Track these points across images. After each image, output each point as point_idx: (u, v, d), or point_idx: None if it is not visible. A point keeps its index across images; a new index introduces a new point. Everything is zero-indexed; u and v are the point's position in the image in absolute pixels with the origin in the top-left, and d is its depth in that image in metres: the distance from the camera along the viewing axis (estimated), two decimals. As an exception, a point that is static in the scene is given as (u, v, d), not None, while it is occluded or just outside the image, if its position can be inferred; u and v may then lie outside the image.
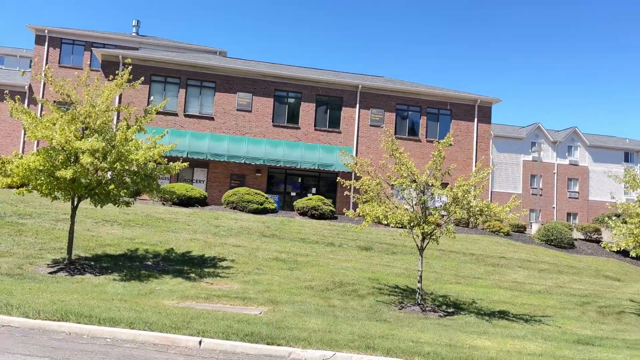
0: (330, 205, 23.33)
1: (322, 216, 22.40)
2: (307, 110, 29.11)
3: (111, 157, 12.05)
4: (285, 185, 28.85)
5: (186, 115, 27.99)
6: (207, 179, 27.63)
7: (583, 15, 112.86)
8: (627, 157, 57.35)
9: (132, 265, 13.25)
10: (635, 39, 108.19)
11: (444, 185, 12.87)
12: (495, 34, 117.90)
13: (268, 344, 7.03)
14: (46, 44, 36.31)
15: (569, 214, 54.27)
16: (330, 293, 12.50)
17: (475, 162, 30.61)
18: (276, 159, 27.16)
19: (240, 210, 21.53)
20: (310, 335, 7.79)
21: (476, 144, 30.69)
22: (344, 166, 27.61)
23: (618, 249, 14.14)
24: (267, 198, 22.69)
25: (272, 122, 28.59)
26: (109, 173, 12.98)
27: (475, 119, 30.78)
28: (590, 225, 26.56)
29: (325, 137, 29.20)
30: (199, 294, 10.84)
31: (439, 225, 12.69)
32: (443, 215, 13.06)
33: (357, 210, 12.73)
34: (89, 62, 35.91)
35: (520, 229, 25.16)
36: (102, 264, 13.09)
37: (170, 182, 26.52)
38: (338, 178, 13.78)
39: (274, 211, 22.63)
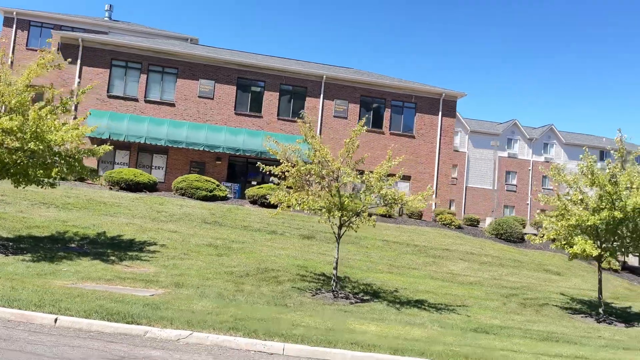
0: (281, 194, 23.26)
1: (272, 205, 22.34)
2: (270, 99, 28.99)
3: (26, 137, 11.92)
4: (247, 174, 28.77)
5: (147, 101, 27.77)
6: (167, 166, 27.50)
7: (559, 13, 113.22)
8: (603, 155, 57.54)
9: (52, 247, 13.18)
10: (614, 35, 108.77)
11: (361, 172, 12.85)
12: (476, 32, 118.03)
13: (128, 322, 7.02)
14: (14, 26, 35.75)
15: (542, 211, 54.54)
16: (247, 279, 12.51)
17: (439, 156, 30.76)
18: (236, 147, 27.03)
19: (188, 197, 21.46)
20: (183, 315, 7.80)
21: (440, 137, 30.73)
22: (306, 156, 27.67)
23: (540, 241, 14.22)
24: (217, 185, 22.63)
25: (235, 110, 28.47)
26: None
27: (440, 113, 30.80)
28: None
29: (288, 126, 29.10)
30: (104, 276, 10.81)
31: (357, 214, 12.69)
32: (372, 207, 13.07)
33: (272, 197, 12.73)
34: (57, 45, 35.52)
35: (474, 223, 25.31)
36: (21, 244, 13.01)
37: (128, 167, 26.42)
38: (258, 163, 13.65)
39: (224, 199, 22.59)
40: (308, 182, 12.54)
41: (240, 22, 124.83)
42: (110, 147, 14.18)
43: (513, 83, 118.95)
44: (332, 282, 12.64)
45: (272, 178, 13.77)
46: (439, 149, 30.66)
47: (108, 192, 20.48)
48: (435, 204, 29.42)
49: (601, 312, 13.88)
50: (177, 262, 13.32)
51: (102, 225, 16.00)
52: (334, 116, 29.63)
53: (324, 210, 12.22)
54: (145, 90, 27.73)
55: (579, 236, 13.41)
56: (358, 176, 12.25)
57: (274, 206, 22.73)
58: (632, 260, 24.60)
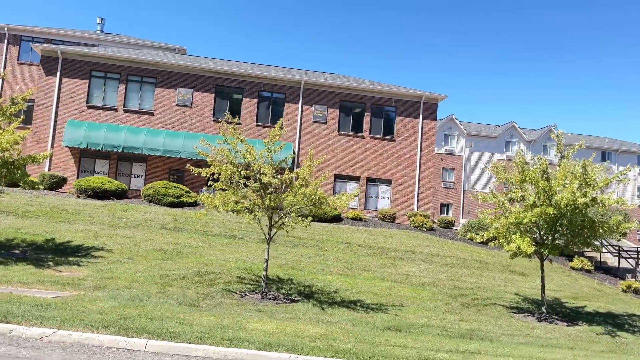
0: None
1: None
2: (249, 106, 29.20)
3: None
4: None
5: (125, 111, 28.18)
6: (146, 174, 27.81)
7: (558, 16, 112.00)
8: (605, 156, 56.82)
9: (-6, 252, 13.39)
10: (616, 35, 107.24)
11: (281, 172, 12.80)
12: (467, 37, 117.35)
13: (-2, 321, 7.11)
14: (6, 41, 36.51)
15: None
16: (179, 282, 12.56)
17: (420, 159, 30.58)
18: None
19: (155, 204, 21.66)
20: (68, 315, 7.87)
21: (421, 141, 30.59)
22: (283, 162, 27.76)
23: (482, 239, 14.02)
24: (186, 192, 22.80)
25: (213, 117, 28.71)
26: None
27: (421, 116, 30.69)
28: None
29: (267, 132, 28.91)
30: (26, 280, 10.96)
31: (286, 214, 12.69)
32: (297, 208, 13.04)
33: (199, 199, 12.79)
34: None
35: (448, 225, 25.05)
36: (-38, 251, 13.25)
37: (107, 176, 26.81)
38: (187, 165, 13.70)
39: (193, 204, 22.72)
40: (237, 184, 12.55)
41: (229, 32, 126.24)
42: (49, 153, 14.37)
43: (511, 86, 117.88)
44: (261, 284, 12.62)
45: (209, 183, 13.79)
46: (420, 152, 30.51)
47: (74, 200, 20.76)
48: (418, 206, 29.31)
49: (544, 310, 13.62)
50: (116, 266, 13.44)
51: (55, 232, 16.22)
52: (313, 121, 29.71)
53: (245, 211, 12.23)
54: (124, 100, 28.15)
55: (517, 234, 13.20)
56: (277, 176, 12.21)
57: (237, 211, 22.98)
58: (611, 260, 24.12)
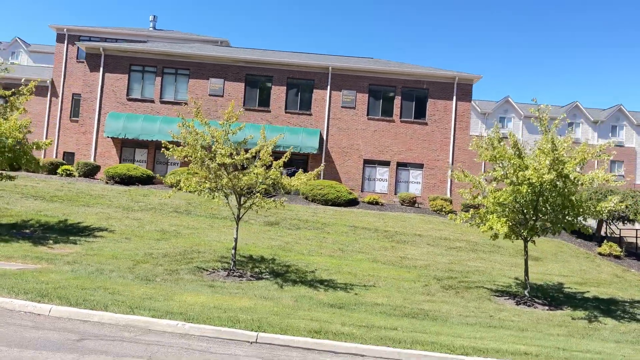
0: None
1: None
2: (278, 94, 29.69)
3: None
4: (256, 167, 29.64)
5: (162, 102, 29.64)
6: (181, 162, 29.15)
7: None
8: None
9: (4, 232, 14.79)
10: None
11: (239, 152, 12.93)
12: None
13: None
14: (65, 41, 39.39)
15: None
16: (158, 259, 13.25)
17: (454, 142, 29.66)
18: (239, 141, 27.93)
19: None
20: (11, 284, 8.69)
21: (455, 123, 29.67)
22: (310, 147, 28.06)
23: (461, 220, 13.51)
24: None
25: (244, 105, 29.46)
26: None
27: (454, 97, 29.74)
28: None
29: (295, 119, 29.64)
30: (9, 254, 12.05)
31: (247, 193, 12.98)
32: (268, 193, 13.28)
33: (166, 180, 13.33)
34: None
35: (472, 208, 24.14)
36: (-22, 230, 14.77)
37: (146, 164, 28.53)
38: (162, 149, 14.09)
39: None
40: (206, 165, 12.94)
41: (267, 22, 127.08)
42: (49, 142, 15.54)
43: (574, 63, 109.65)
44: (230, 262, 13.02)
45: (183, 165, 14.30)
46: (454, 135, 29.62)
47: (102, 185, 22.28)
48: (451, 191, 28.54)
49: (526, 294, 12.97)
50: (109, 245, 14.39)
51: (72, 214, 17.57)
52: (342, 107, 29.68)
53: (207, 191, 12.63)
54: (161, 92, 29.63)
55: (494, 214, 12.63)
56: (233, 157, 12.48)
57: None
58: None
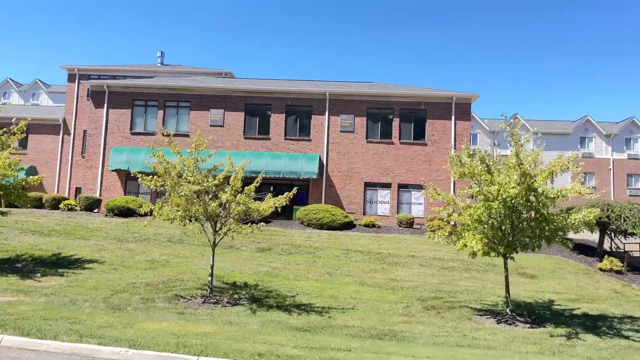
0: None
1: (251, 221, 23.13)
2: (277, 121, 30.12)
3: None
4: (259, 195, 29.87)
5: (164, 135, 30.23)
6: (183, 192, 29.53)
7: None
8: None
9: (-4, 266, 15.17)
10: None
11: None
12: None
13: None
14: (77, 80, 40.80)
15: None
16: (138, 289, 13.39)
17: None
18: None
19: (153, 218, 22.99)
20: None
21: (455, 142, 29.55)
22: (309, 173, 28.20)
23: (438, 239, 13.32)
24: (204, 206, 23.94)
25: (244, 134, 30.00)
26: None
27: (453, 117, 29.74)
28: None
29: (295, 145, 29.94)
30: (-6, 288, 12.36)
31: (220, 221, 13.10)
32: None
33: (142, 210, 13.56)
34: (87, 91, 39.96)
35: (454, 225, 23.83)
36: (-30, 265, 15.19)
37: (149, 196, 29.02)
38: (139, 177, 14.17)
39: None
40: (185, 195, 13.13)
41: (273, 51, 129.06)
42: (42, 177, 16.00)
43: (583, 80, 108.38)
44: (208, 289, 13.08)
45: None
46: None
47: (101, 218, 22.72)
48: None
49: (508, 312, 12.67)
50: (94, 276, 14.62)
51: (66, 247, 17.94)
52: (341, 131, 29.92)
53: (178, 219, 12.79)
54: (163, 124, 30.32)
55: (469, 232, 12.47)
56: (202, 184, 12.65)
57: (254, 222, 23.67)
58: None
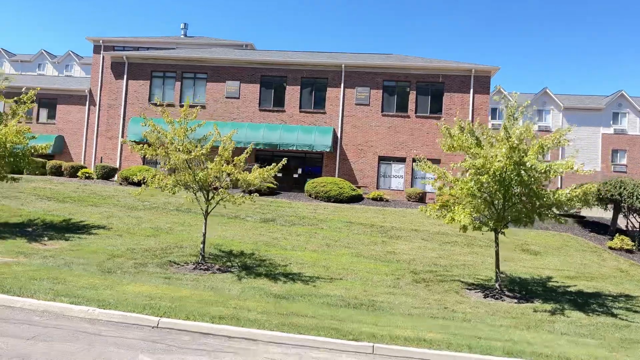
0: (270, 183, 24.16)
1: (259, 192, 23.38)
2: (292, 93, 30.06)
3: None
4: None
5: (181, 106, 30.60)
6: (199, 163, 30.02)
7: None
8: None
9: (8, 230, 15.87)
10: None
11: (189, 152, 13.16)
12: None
13: None
14: (102, 52, 41.52)
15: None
16: (136, 254, 13.82)
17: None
18: (256, 142, 28.52)
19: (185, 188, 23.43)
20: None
21: (472, 117, 28.92)
22: (322, 146, 28.18)
23: (430, 213, 13.20)
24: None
25: (259, 106, 30.11)
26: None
27: (471, 90, 29.07)
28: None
29: (309, 118, 29.90)
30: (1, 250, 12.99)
31: (215, 188, 13.31)
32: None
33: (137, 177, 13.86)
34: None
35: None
36: (-17, 228, 15.94)
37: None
38: (123, 140, 14.61)
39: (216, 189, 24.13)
40: (175, 165, 13.36)
41: (293, 24, 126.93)
42: (47, 145, 16.48)
43: (618, 53, 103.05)
44: (199, 256, 13.39)
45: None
46: (472, 129, 28.84)
47: (115, 187, 23.37)
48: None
49: (497, 287, 12.57)
50: (97, 241, 15.14)
51: (77, 213, 18.58)
52: (356, 104, 29.68)
53: (169, 187, 13.04)
54: (180, 96, 30.70)
55: (459, 205, 12.33)
56: (190, 153, 12.81)
57: (262, 194, 23.94)
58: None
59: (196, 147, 13.11)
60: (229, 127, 28.91)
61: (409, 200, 24.32)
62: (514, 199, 11.99)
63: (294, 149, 28.52)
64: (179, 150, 12.74)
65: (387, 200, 23.75)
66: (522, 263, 16.33)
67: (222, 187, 13.27)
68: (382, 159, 29.26)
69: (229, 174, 12.96)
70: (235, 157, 13.55)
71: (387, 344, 7.11)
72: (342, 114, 29.59)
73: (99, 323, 7.44)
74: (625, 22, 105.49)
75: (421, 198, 24.36)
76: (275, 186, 24.62)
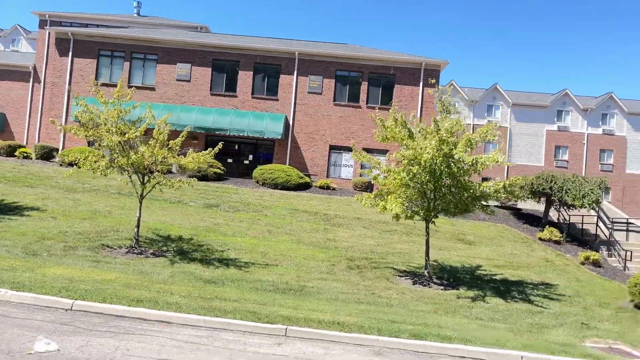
0: (218, 169, 24.05)
1: (205, 178, 23.25)
2: (244, 79, 29.78)
3: None
4: (224, 153, 29.82)
5: (130, 87, 29.77)
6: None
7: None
8: (676, 124, 50.93)
9: None
10: None
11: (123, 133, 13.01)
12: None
13: None
14: (48, 27, 39.77)
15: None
16: (68, 237, 13.52)
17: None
18: (206, 126, 28.19)
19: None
20: None
21: (421, 109, 29.49)
22: (274, 133, 28.14)
23: (365, 202, 13.51)
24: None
25: (210, 91, 29.68)
26: None
27: (421, 83, 29.53)
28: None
29: (262, 104, 29.73)
30: None
31: (151, 172, 13.17)
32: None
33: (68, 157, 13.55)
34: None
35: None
36: None
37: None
38: (51, 120, 14.28)
39: (168, 173, 23.78)
40: (108, 146, 13.10)
41: (251, 7, 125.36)
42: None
43: (563, 51, 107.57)
44: (133, 240, 13.25)
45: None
46: (420, 122, 29.40)
47: (55, 168, 22.67)
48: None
49: (426, 274, 13.02)
50: (29, 222, 14.69)
51: (11, 194, 17.93)
52: (308, 92, 29.69)
53: (101, 169, 12.82)
54: (129, 77, 29.88)
55: (392, 195, 12.67)
56: (124, 135, 12.64)
57: (208, 179, 23.76)
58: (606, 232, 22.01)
59: (130, 129, 12.87)
60: (178, 110, 28.50)
61: (355, 189, 24.68)
62: (444, 190, 12.41)
63: (245, 134, 28.33)
64: (112, 132, 12.48)
65: (334, 189, 24.04)
66: (456, 252, 16.91)
67: (158, 171, 13.11)
68: (333, 147, 29.49)
69: (164, 158, 12.80)
70: (170, 141, 13.39)
71: (300, 326, 7.30)
72: (295, 101, 29.59)
73: (10, 305, 7.29)
74: (574, 24, 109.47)
75: (367, 187, 24.77)
76: (222, 171, 24.50)
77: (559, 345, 7.89)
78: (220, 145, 14.45)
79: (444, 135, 11.27)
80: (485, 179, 13.29)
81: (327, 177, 28.51)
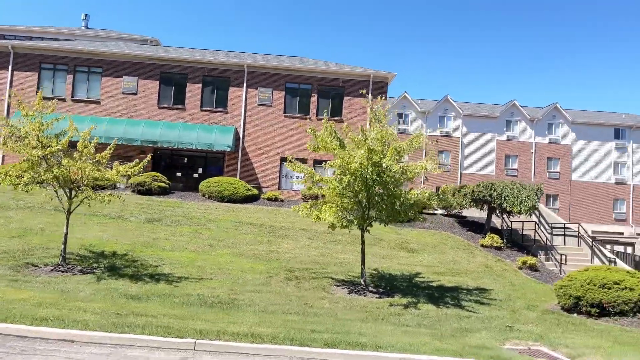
0: (163, 182, 23.64)
1: (149, 192, 22.80)
2: (193, 91, 29.45)
3: None
4: (173, 167, 29.38)
5: (74, 101, 29.10)
6: (92, 161, 28.63)
7: None
8: (618, 133, 53.30)
9: None
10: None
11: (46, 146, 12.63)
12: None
13: None
14: (-11, 40, 38.40)
15: (548, 196, 50.99)
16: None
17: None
18: (154, 140, 27.66)
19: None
20: None
21: (370, 121, 29.72)
22: (223, 145, 27.88)
23: (303, 213, 13.50)
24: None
25: (158, 104, 29.20)
26: None
27: (370, 95, 29.74)
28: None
29: (211, 117, 29.45)
30: None
31: (78, 186, 12.79)
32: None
33: None
34: None
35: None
36: None
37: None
38: None
39: (114, 188, 23.20)
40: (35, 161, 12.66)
41: (203, 21, 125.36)
42: None
43: (510, 62, 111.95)
44: (60, 258, 12.79)
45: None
46: (370, 132, 29.71)
47: None
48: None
49: (362, 283, 13.06)
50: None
51: (-64, 213, 17.07)
52: (258, 104, 29.60)
53: (22, 184, 12.39)
54: (73, 90, 29.10)
55: (327, 204, 12.69)
56: (45, 148, 12.27)
57: (152, 193, 23.31)
58: (549, 238, 22.66)
59: (52, 142, 12.47)
60: (124, 124, 27.91)
61: (304, 200, 24.61)
62: (377, 199, 12.50)
63: (194, 147, 27.96)
64: (32, 146, 12.05)
65: (282, 200, 23.95)
66: (397, 260, 17.05)
67: (85, 185, 12.73)
68: (284, 159, 29.36)
69: (91, 171, 12.43)
70: (97, 154, 13.04)
71: (211, 339, 7.15)
72: (245, 113, 29.46)
73: None
74: (522, 33, 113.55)
75: (316, 198, 24.75)
76: (167, 185, 24.06)
77: (475, 348, 7.99)
78: (149, 157, 14.18)
79: (371, 144, 11.38)
80: (438, 188, 13.52)
81: (279, 188, 28.41)
